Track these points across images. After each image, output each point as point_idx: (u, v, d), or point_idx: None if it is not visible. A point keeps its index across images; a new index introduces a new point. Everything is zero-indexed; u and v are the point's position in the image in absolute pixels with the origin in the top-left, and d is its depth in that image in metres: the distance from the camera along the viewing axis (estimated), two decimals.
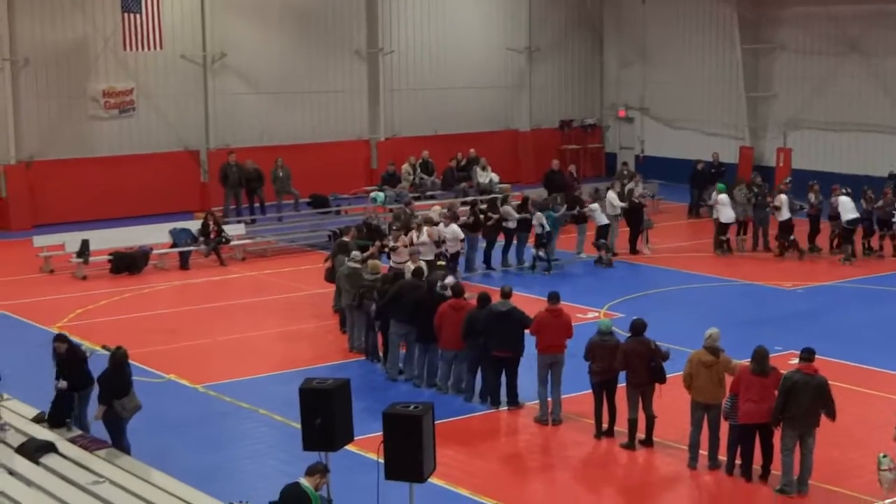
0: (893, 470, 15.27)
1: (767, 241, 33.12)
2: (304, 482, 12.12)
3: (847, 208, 31.13)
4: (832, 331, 24.13)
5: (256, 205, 36.86)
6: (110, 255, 31.09)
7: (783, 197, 31.96)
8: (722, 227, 32.51)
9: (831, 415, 15.88)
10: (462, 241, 28.39)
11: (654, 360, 17.71)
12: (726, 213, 32.20)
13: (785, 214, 31.78)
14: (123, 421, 16.63)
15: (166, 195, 37.83)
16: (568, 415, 19.07)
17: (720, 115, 44.59)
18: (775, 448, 16.26)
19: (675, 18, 45.80)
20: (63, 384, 16.92)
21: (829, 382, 15.93)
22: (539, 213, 30.36)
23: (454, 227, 28.22)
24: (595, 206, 31.39)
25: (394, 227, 27.84)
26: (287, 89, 41.08)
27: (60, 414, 16.92)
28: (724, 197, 32.29)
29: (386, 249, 26.23)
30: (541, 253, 30.48)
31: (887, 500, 15.33)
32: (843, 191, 31.97)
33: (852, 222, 31.16)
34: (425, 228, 26.52)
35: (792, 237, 31.90)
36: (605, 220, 31.15)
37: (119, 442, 16.50)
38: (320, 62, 41.91)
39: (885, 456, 15.40)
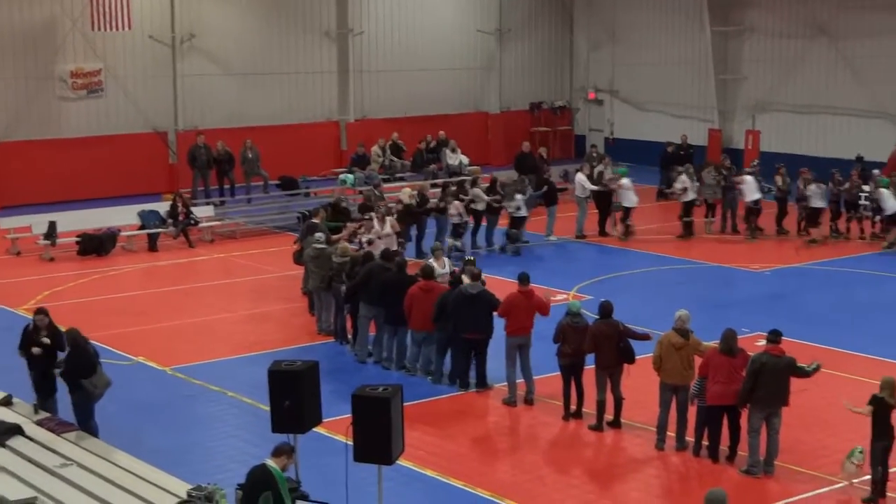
0: (860, 466, 15.44)
1: (736, 224, 33.29)
2: (271, 463, 12.10)
3: (751, 188, 31.82)
4: (799, 313, 24.26)
5: (226, 186, 36.77)
6: (78, 236, 30.91)
7: (748, 178, 32.10)
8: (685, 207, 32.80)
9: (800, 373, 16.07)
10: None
11: (622, 341, 17.79)
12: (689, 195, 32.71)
13: (751, 196, 31.93)
14: (93, 402, 16.57)
15: (134, 177, 37.68)
16: (536, 397, 19.15)
17: (689, 97, 44.68)
18: (742, 429, 16.38)
19: (646, 0, 45.86)
20: (38, 350, 16.83)
21: (797, 364, 16.06)
22: (519, 196, 30.49)
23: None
24: (519, 197, 30.99)
25: (366, 217, 27.64)
26: (256, 70, 40.91)
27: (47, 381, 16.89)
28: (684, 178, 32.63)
29: (357, 238, 26.09)
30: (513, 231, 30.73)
31: (854, 481, 15.48)
32: (748, 170, 33.00)
33: (757, 202, 31.94)
34: (388, 219, 26.28)
35: (755, 223, 32.24)
36: (524, 213, 31.05)
37: (87, 424, 16.43)
38: (290, 43, 41.75)
39: (861, 451, 15.53)
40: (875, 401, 15.06)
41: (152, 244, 31.64)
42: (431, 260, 21.97)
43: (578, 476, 16.43)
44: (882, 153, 37.88)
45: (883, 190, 31.31)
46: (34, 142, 37.21)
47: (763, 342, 16.56)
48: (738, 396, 16.04)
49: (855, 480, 15.46)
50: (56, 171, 36.99)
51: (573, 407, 18.42)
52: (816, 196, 31.87)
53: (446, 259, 23.29)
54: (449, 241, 28.81)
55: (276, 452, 12.21)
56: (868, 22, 39.60)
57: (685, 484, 16.06)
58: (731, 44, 43.83)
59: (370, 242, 25.55)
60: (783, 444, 16.23)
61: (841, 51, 40.53)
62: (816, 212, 31.76)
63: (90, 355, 16.71)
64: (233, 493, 13.07)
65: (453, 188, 30.94)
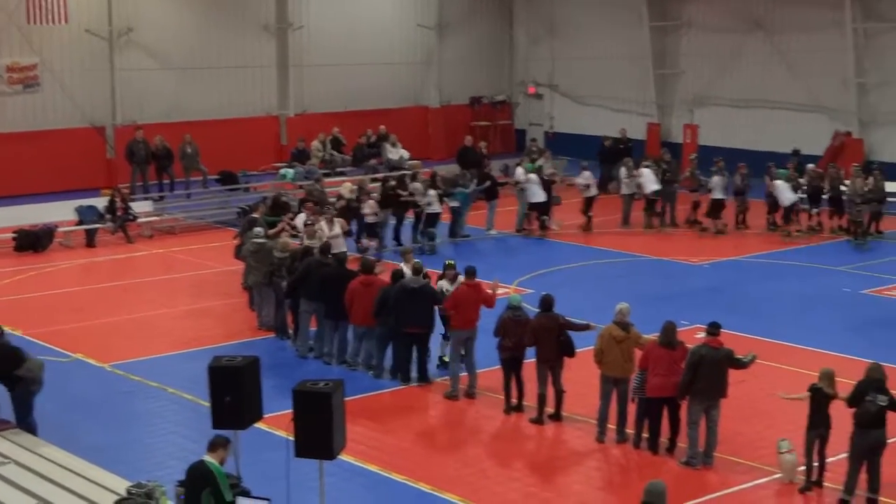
0: (789, 454, 15.61)
1: (675, 217, 33.54)
2: (209, 458, 12.03)
3: (650, 180, 32.24)
4: (738, 305, 24.49)
5: (165, 181, 36.52)
6: (14, 232, 30.62)
7: (716, 178, 32.34)
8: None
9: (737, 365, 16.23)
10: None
11: (562, 335, 17.87)
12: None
13: (717, 194, 32.24)
14: (34, 393, 16.36)
15: (72, 172, 37.21)
16: (478, 390, 19.19)
17: (628, 91, 44.87)
18: (682, 421, 16.49)
19: None
20: None
21: (735, 356, 16.21)
22: (432, 192, 30.50)
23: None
24: (431, 192, 30.78)
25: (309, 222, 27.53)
26: (195, 65, 40.60)
27: None
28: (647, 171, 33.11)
29: (299, 233, 25.98)
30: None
31: (798, 469, 15.63)
32: (645, 163, 33.34)
33: (657, 193, 32.46)
34: (337, 221, 26.04)
35: (696, 218, 32.71)
36: (437, 209, 30.82)
37: (26, 420, 16.26)
38: (229, 37, 41.46)
39: (784, 441, 15.72)
40: (813, 389, 15.25)
41: (90, 240, 31.36)
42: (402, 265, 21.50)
43: (520, 469, 16.47)
44: (818, 147, 38.33)
45: (779, 182, 31.90)
46: None
47: (702, 334, 16.69)
48: (678, 388, 16.15)
49: (799, 468, 15.59)
50: None
51: (514, 400, 18.49)
52: (718, 187, 32.36)
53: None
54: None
55: (212, 447, 12.14)
56: (803, 16, 40.01)
57: (626, 476, 16.15)
58: (669, 38, 44.10)
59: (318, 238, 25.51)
60: (722, 435, 16.36)
61: (777, 45, 40.91)
62: (719, 203, 32.18)
63: (7, 346, 16.49)
64: (173, 489, 12.99)
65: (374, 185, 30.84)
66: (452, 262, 20.66)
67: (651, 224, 32.95)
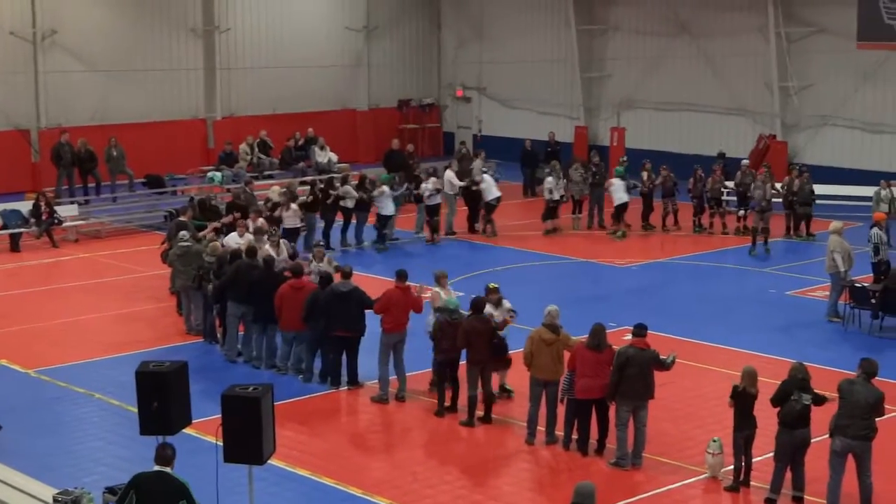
0: (718, 456, 15.79)
1: (602, 220, 33.78)
2: (171, 471, 11.82)
3: (491, 185, 32.19)
4: (664, 306, 24.71)
5: (91, 185, 36.16)
6: None
7: (615, 181, 32.60)
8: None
9: (661, 366, 16.35)
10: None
11: (494, 337, 17.93)
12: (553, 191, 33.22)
13: (620, 198, 32.43)
14: None
15: None
16: (408, 393, 19.21)
17: (556, 95, 45.14)
18: (611, 422, 16.61)
19: None
20: None
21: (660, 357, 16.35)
22: (385, 189, 30.69)
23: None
24: (385, 189, 31.13)
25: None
26: (121, 67, 40.21)
27: None
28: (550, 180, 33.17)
29: (219, 225, 25.87)
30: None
31: (721, 472, 15.80)
32: (484, 170, 33.37)
33: (498, 200, 32.38)
34: (283, 243, 25.49)
35: (621, 221, 32.87)
36: (391, 211, 31.19)
37: None
38: (155, 40, 41.14)
39: (714, 441, 15.88)
40: (736, 393, 15.42)
41: (14, 244, 30.97)
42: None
43: (451, 472, 16.49)
44: (743, 150, 38.81)
45: (615, 181, 32.43)
46: None
47: (630, 336, 16.81)
48: (606, 390, 16.27)
49: (722, 470, 15.80)
50: None
51: (448, 402, 18.52)
52: (619, 189, 32.74)
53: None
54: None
55: (168, 460, 11.85)
56: (727, 21, 40.48)
57: (555, 477, 16.23)
58: (595, 42, 44.42)
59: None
60: (650, 435, 16.50)
61: (702, 49, 41.34)
62: (622, 206, 32.46)
63: None
64: (101, 496, 12.87)
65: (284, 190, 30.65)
66: (496, 286, 19.04)
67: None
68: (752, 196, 30.92)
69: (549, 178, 33.12)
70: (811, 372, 15.24)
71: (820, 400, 14.96)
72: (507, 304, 18.88)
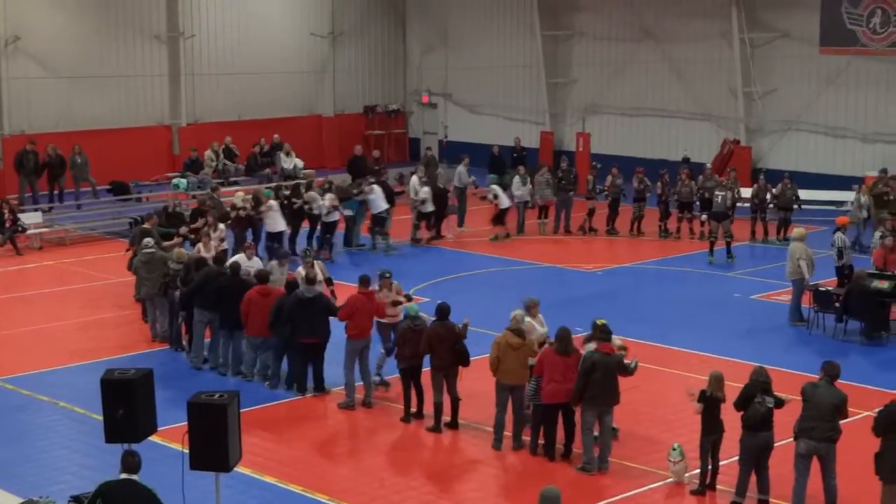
0: (680, 463, 15.90)
1: (569, 225, 33.88)
2: (138, 479, 11.81)
3: (379, 196, 31.07)
4: (631, 311, 24.78)
5: (55, 192, 35.99)
6: None
7: (495, 187, 32.93)
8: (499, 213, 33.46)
9: (625, 371, 16.44)
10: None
11: (458, 343, 17.97)
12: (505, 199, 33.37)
13: (504, 203, 32.67)
14: None
15: None
16: (374, 399, 19.23)
17: (521, 100, 45.28)
18: (577, 427, 16.66)
19: (476, 3, 46.29)
20: None
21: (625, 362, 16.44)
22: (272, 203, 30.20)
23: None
24: (376, 188, 31.12)
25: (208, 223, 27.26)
26: (85, 74, 40.04)
27: None
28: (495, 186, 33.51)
29: (192, 236, 25.82)
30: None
31: (685, 476, 15.90)
32: (370, 180, 32.07)
33: (384, 212, 31.24)
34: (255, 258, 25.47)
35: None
36: (383, 206, 31.12)
37: None
38: (119, 46, 40.98)
39: (674, 449, 15.98)
40: (703, 398, 15.53)
41: None
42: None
43: (417, 477, 16.52)
44: (707, 154, 39.00)
45: (495, 186, 32.98)
46: None
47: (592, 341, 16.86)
48: (571, 395, 16.33)
49: (686, 475, 15.89)
50: None
51: (414, 408, 18.54)
52: (521, 191, 33.42)
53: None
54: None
55: (134, 467, 11.86)
56: (691, 26, 40.71)
57: (522, 482, 16.26)
58: (560, 48, 44.58)
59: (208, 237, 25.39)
60: (624, 439, 16.59)
61: (666, 54, 41.56)
62: (382, 218, 31.47)
63: None
64: None
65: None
66: (603, 322, 17.06)
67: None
68: (714, 201, 31.05)
69: (494, 186, 33.46)
70: (776, 375, 15.36)
71: (779, 403, 15.11)
72: (616, 340, 17.35)
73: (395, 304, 19.72)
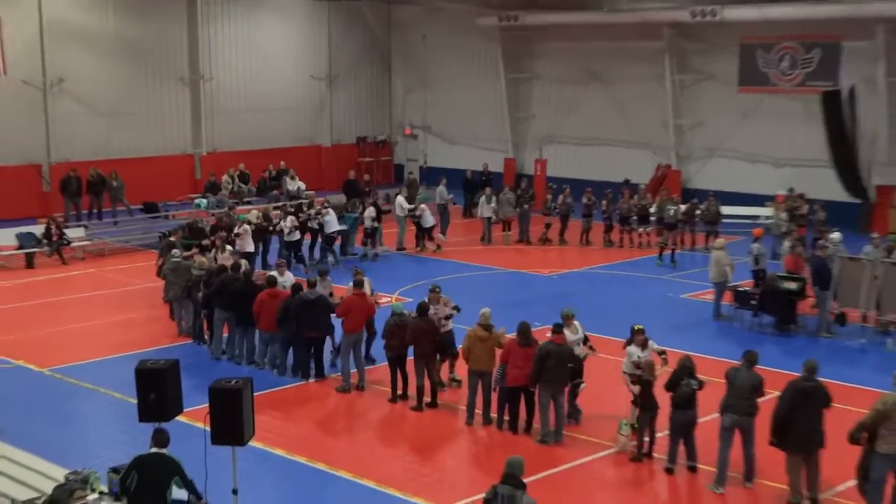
0: (628, 437, 15.99)
1: (528, 235, 33.98)
2: (166, 452, 11.80)
3: (333, 219, 30.09)
4: (581, 308, 24.52)
5: (94, 211, 35.89)
6: None
7: (423, 206, 32.62)
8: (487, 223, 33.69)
9: (577, 371, 16.51)
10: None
11: (437, 335, 18.01)
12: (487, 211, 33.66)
13: (428, 222, 32.46)
14: None
15: (12, 203, 36.33)
16: (366, 384, 19.23)
17: (489, 132, 45.33)
18: (536, 406, 16.73)
19: (451, 51, 46.35)
20: None
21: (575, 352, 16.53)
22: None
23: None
24: (329, 212, 30.16)
25: (220, 234, 27.15)
26: (120, 111, 39.96)
27: None
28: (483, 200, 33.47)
29: (213, 249, 25.73)
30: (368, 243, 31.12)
31: (628, 446, 15.99)
32: (327, 205, 30.67)
33: (337, 232, 30.35)
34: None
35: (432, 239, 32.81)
36: (335, 227, 30.22)
37: None
38: (149, 87, 40.92)
39: (625, 424, 16.06)
40: (640, 381, 15.65)
41: (29, 262, 30.64)
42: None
43: (403, 448, 16.53)
44: (644, 177, 39.16)
45: (424, 206, 32.47)
46: None
47: (550, 333, 16.94)
48: (529, 378, 16.41)
49: (629, 445, 15.98)
50: None
51: (399, 391, 18.57)
52: (486, 208, 33.52)
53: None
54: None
55: (164, 442, 11.89)
56: (631, 69, 40.87)
57: (490, 452, 16.28)
58: (521, 88, 44.68)
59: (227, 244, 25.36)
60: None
61: (610, 93, 41.71)
62: (332, 238, 30.38)
63: None
64: (105, 475, 12.78)
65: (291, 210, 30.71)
66: (641, 328, 16.79)
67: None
68: (664, 216, 31.38)
69: (423, 206, 32.88)
70: (703, 362, 15.46)
71: (701, 385, 15.26)
72: (653, 344, 16.81)
73: (448, 317, 18.89)
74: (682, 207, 32.53)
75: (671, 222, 31.21)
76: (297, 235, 29.46)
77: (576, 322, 17.57)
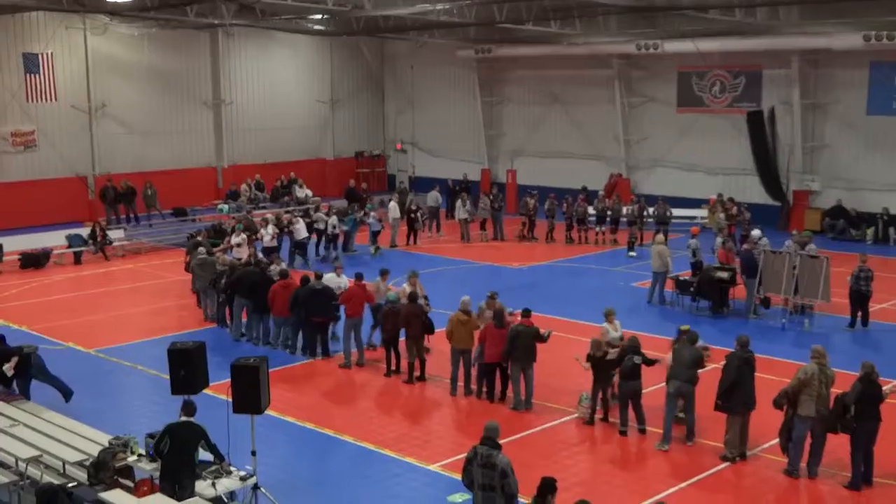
0: (586, 406, 15.93)
1: (502, 233, 33.94)
2: (193, 420, 11.70)
3: (302, 227, 29.18)
4: (546, 295, 24.85)
5: (130, 215, 35.70)
6: (20, 254, 29.59)
7: (373, 214, 31.98)
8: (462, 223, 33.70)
9: (540, 339, 16.39)
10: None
11: (425, 318, 17.94)
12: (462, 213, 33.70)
13: (375, 227, 31.46)
14: (33, 363, 16.01)
15: (62, 209, 36.11)
16: (365, 361, 19.16)
17: (467, 146, 45.22)
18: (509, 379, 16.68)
19: (435, 79, 46.21)
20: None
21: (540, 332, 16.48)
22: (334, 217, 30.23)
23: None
24: (299, 221, 29.24)
25: (237, 230, 27.02)
26: (154, 130, 39.70)
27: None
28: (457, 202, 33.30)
29: (231, 248, 25.61)
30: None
31: (586, 416, 15.94)
32: (298, 215, 30.38)
33: (306, 238, 29.34)
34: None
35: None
36: (304, 234, 29.23)
37: (52, 380, 16.23)
38: (178, 110, 40.66)
39: (586, 396, 16.02)
40: (591, 358, 15.63)
41: (77, 259, 30.45)
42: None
43: (396, 416, 16.47)
44: (599, 184, 39.13)
45: (321, 215, 30.88)
46: None
47: (519, 317, 16.88)
48: (502, 355, 16.34)
49: (587, 414, 15.94)
50: (2, 207, 35.04)
51: (393, 367, 18.49)
52: (461, 211, 33.54)
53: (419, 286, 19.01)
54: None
55: (193, 412, 11.83)
56: (587, 93, 40.83)
57: (471, 419, 16.24)
58: (494, 109, 44.59)
59: (239, 245, 25.15)
60: (536, 388, 16.61)
61: (569, 113, 41.67)
62: (304, 244, 29.48)
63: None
64: (143, 440, 12.69)
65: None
66: (687, 327, 15.68)
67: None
68: (620, 216, 31.73)
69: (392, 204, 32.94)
70: (649, 340, 15.43)
71: (650, 362, 15.25)
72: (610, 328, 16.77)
73: (426, 298, 18.35)
74: (633, 208, 32.59)
75: (632, 220, 31.73)
76: (273, 243, 27.79)
77: (616, 321, 17.06)
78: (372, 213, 32.00)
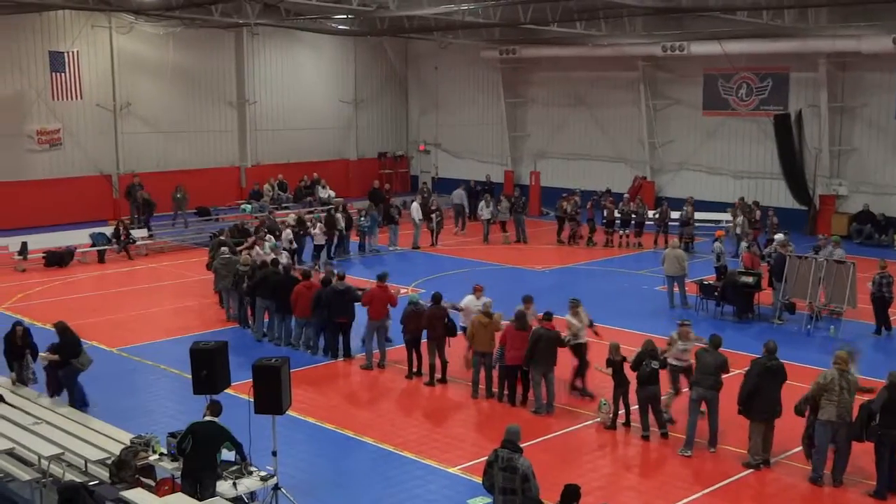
0: (606, 413, 15.89)
1: (525, 236, 33.88)
2: (217, 420, 11.78)
3: (319, 234, 29.21)
4: (568, 299, 24.66)
5: (146, 216, 35.79)
6: (44, 253, 29.81)
7: (318, 227, 31.13)
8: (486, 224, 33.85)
9: (561, 344, 16.42)
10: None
11: (448, 320, 17.95)
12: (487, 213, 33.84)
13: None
14: (78, 374, 16.08)
15: (86, 207, 36.46)
16: (386, 362, 19.18)
17: (491, 148, 45.24)
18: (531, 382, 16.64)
19: (459, 80, 46.25)
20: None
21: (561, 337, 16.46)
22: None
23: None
24: (287, 233, 28.47)
25: (262, 231, 27.15)
26: (178, 129, 39.96)
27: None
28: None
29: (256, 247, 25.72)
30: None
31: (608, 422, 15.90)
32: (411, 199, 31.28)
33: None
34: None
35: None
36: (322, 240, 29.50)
37: (72, 390, 16.07)
38: (202, 109, 40.91)
39: (605, 403, 15.99)
40: (610, 363, 15.60)
41: (101, 258, 30.65)
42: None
43: (418, 418, 16.48)
44: (623, 187, 39.02)
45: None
46: (10, 182, 35.58)
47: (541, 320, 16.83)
48: (523, 359, 16.33)
49: (608, 419, 15.89)
50: (27, 204, 35.49)
51: (415, 368, 18.50)
52: (485, 211, 33.50)
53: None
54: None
55: (218, 411, 11.90)
56: (611, 95, 40.74)
57: (492, 421, 16.22)
58: (518, 111, 44.56)
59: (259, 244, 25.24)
60: (558, 391, 16.56)
61: (594, 115, 41.58)
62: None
63: (76, 340, 16.18)
64: (164, 439, 12.77)
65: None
66: (689, 322, 16.22)
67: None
68: (653, 219, 32.14)
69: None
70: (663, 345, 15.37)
71: (664, 365, 15.24)
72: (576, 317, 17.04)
73: (576, 335, 17.31)
74: (657, 213, 32.47)
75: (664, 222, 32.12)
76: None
77: (580, 310, 17.44)
78: (318, 225, 29.84)
